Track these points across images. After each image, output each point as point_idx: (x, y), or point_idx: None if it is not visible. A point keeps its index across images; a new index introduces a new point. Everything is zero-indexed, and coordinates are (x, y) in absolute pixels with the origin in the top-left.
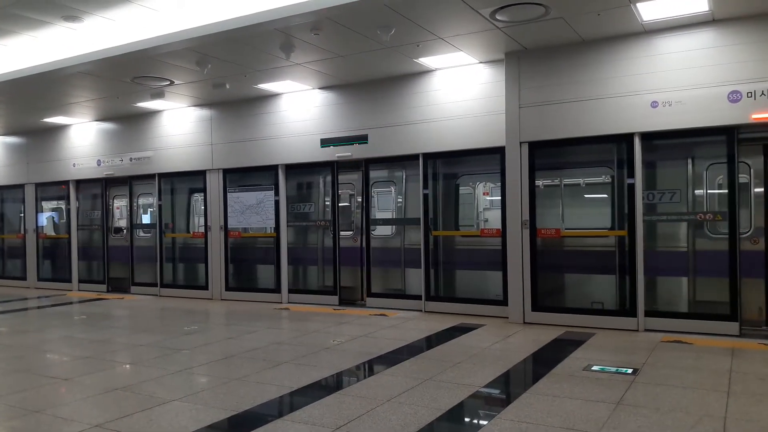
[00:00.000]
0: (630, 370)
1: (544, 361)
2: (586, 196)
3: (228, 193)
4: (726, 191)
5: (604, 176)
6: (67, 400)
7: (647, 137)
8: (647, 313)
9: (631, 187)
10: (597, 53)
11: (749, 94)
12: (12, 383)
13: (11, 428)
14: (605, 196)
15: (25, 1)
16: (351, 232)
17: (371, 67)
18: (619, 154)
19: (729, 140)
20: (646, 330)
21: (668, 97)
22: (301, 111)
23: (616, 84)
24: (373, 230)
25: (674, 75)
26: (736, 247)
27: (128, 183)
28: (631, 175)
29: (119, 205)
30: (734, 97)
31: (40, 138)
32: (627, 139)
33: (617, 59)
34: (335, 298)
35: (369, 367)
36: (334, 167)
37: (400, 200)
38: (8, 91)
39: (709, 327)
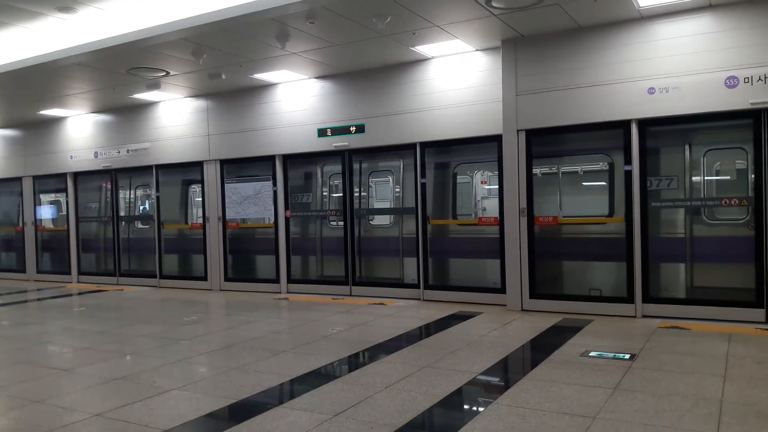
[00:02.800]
0: (627, 356)
1: (542, 347)
2: (583, 183)
3: (225, 184)
4: (729, 178)
5: (601, 163)
6: (68, 390)
7: (644, 124)
8: (651, 300)
9: (628, 173)
10: (594, 40)
11: (746, 80)
12: (13, 374)
13: (13, 418)
14: (603, 183)
15: None
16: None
17: (367, 56)
18: (616, 140)
19: (755, 123)
20: (644, 316)
21: (665, 83)
22: (297, 101)
23: (613, 71)
24: (371, 220)
25: (671, 61)
26: (763, 232)
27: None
28: (628, 161)
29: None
30: (731, 82)
31: (37, 130)
32: (624, 125)
33: (614, 46)
34: (346, 288)
35: (367, 355)
36: (344, 156)
37: (398, 190)
38: (3, 84)
39: (731, 314)
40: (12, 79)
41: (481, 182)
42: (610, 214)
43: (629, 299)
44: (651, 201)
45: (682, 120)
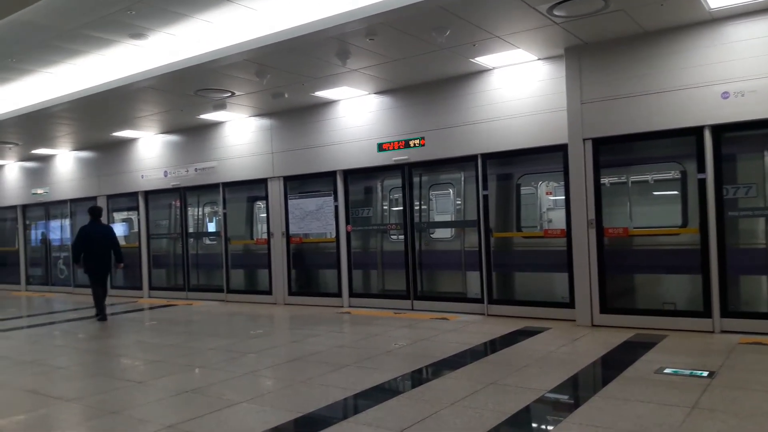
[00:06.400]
0: (705, 373)
1: (614, 364)
2: (654, 193)
3: (289, 200)
4: None
5: (673, 172)
6: (141, 402)
7: (718, 130)
8: (730, 314)
9: (702, 182)
10: (661, 44)
11: None
12: (90, 386)
13: (91, 428)
14: (675, 192)
15: (94, 21)
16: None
17: (427, 70)
18: (688, 148)
19: None
20: (723, 332)
21: (740, 87)
22: (357, 116)
23: (683, 75)
24: (432, 233)
25: (746, 63)
26: None
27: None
28: (702, 169)
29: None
30: None
31: (110, 151)
32: (696, 132)
33: (683, 50)
34: (408, 302)
35: (431, 371)
36: (404, 170)
37: (459, 202)
38: (80, 108)
39: None
40: (88, 103)
41: (546, 193)
42: (684, 224)
43: (706, 313)
44: (728, 210)
45: (760, 125)
